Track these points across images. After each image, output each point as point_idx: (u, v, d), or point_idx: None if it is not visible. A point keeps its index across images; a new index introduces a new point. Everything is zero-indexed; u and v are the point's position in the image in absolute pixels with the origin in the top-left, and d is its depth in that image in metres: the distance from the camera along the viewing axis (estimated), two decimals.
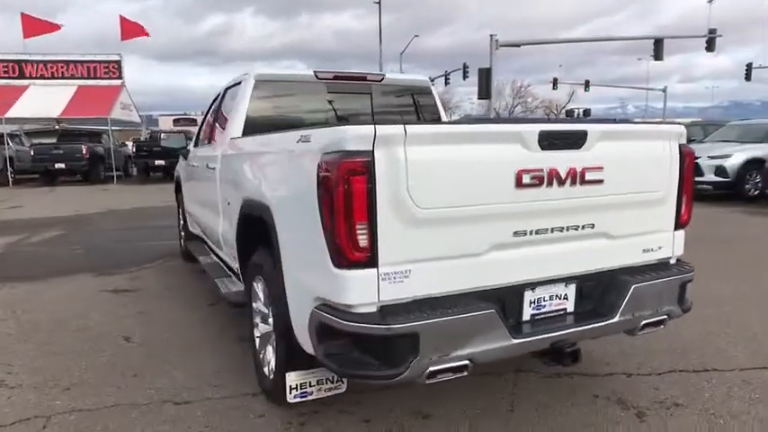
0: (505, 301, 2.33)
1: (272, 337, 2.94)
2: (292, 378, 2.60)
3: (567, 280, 2.48)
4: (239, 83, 4.16)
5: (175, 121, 57.34)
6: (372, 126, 2.00)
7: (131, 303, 4.88)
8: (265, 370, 3.04)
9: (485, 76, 25.61)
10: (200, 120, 5.83)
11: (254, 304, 3.21)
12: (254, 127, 3.89)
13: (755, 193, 10.91)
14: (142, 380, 3.33)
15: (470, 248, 2.22)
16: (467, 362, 2.15)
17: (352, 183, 1.99)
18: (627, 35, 29.78)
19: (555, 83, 45.27)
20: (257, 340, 3.20)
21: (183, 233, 6.57)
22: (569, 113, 49.81)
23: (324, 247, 2.11)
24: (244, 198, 3.11)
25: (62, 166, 17.94)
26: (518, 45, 26.97)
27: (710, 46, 26.52)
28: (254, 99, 3.91)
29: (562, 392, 3.05)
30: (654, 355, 3.51)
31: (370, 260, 2.05)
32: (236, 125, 3.89)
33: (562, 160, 2.31)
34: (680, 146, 2.70)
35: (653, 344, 3.60)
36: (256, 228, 3.06)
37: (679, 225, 2.77)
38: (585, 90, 46.45)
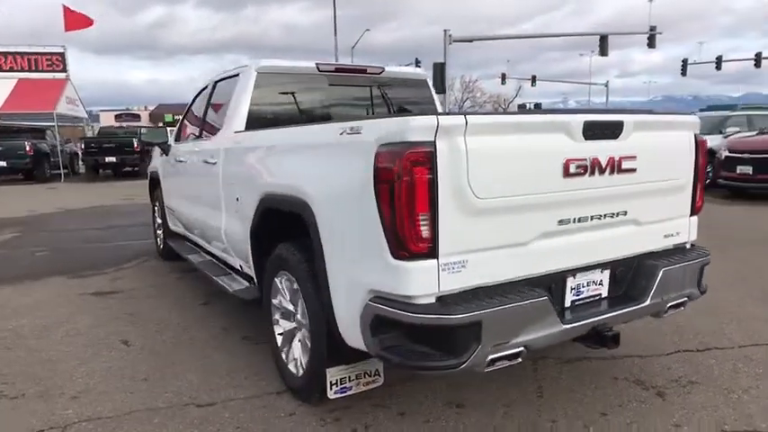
0: (551, 288, 2.38)
1: (301, 333, 2.90)
2: (333, 373, 2.56)
3: (602, 266, 2.55)
4: (236, 75, 4.04)
5: (117, 117, 55.15)
6: (435, 116, 1.99)
7: (118, 306, 4.68)
8: (291, 367, 2.99)
9: (439, 71, 25.87)
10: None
11: (273, 300, 3.14)
12: (257, 120, 3.80)
13: (706, 182, 11.52)
14: (154, 384, 3.20)
15: (520, 237, 2.25)
16: (522, 349, 2.19)
17: (414, 173, 1.98)
18: (567, 31, 30.68)
19: (503, 78, 46.15)
20: (278, 338, 3.13)
21: (160, 231, 6.34)
22: (522, 108, 51.01)
23: (380, 239, 2.09)
24: (264, 193, 3.03)
25: (3, 164, 16.93)
26: (470, 41, 27.37)
27: (651, 42, 27.70)
28: (257, 91, 3.81)
29: (584, 376, 3.14)
30: (655, 338, 3.66)
31: (431, 251, 2.05)
32: (238, 118, 3.78)
33: (602, 150, 2.37)
34: (695, 135, 2.82)
35: (650, 327, 3.75)
36: (281, 222, 3.00)
37: (694, 211, 2.90)
38: (532, 85, 47.70)
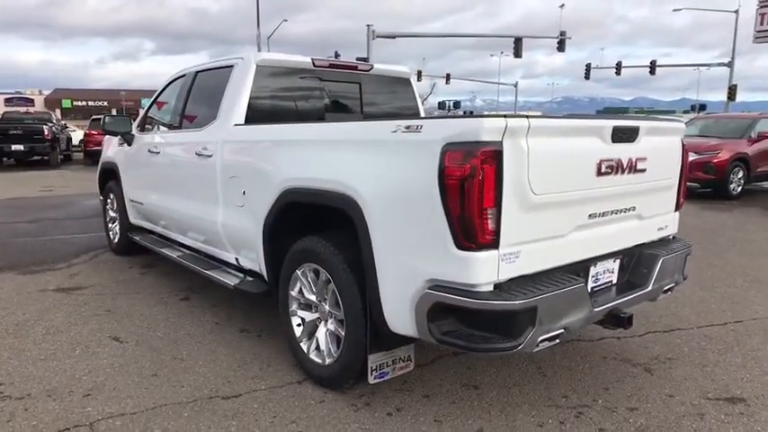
0: (579, 275, 2.63)
1: (328, 322, 2.97)
2: (373, 359, 2.68)
3: (614, 255, 2.86)
4: (229, 66, 3.99)
5: (8, 101, 50.42)
6: (504, 118, 2.16)
7: (90, 302, 4.45)
8: (314, 357, 3.05)
9: None
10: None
11: (291, 292, 3.18)
12: (256, 113, 3.79)
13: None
14: (166, 379, 3.14)
15: (560, 230, 2.49)
16: (562, 330, 2.42)
17: (485, 171, 2.15)
18: (481, 32, 32.02)
19: (419, 75, 47.18)
20: (296, 329, 3.18)
21: (113, 225, 6.05)
22: (441, 105, 52.37)
23: (443, 231, 2.24)
24: (286, 187, 3.06)
25: None
26: (393, 37, 27.84)
27: (561, 46, 29.49)
28: (255, 84, 3.79)
29: (575, 357, 3.46)
30: None
31: (494, 242, 2.22)
32: (237, 111, 3.74)
33: (624, 151, 2.66)
34: (681, 140, 3.20)
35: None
36: (306, 216, 3.06)
37: (677, 207, 3.29)
38: (447, 83, 49.11)
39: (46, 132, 16.53)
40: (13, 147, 16.18)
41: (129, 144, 5.31)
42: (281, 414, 2.78)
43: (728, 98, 29.46)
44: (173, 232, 4.77)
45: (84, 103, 57.72)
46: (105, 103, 56.99)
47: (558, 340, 2.45)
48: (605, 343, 3.69)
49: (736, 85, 29.28)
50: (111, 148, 5.92)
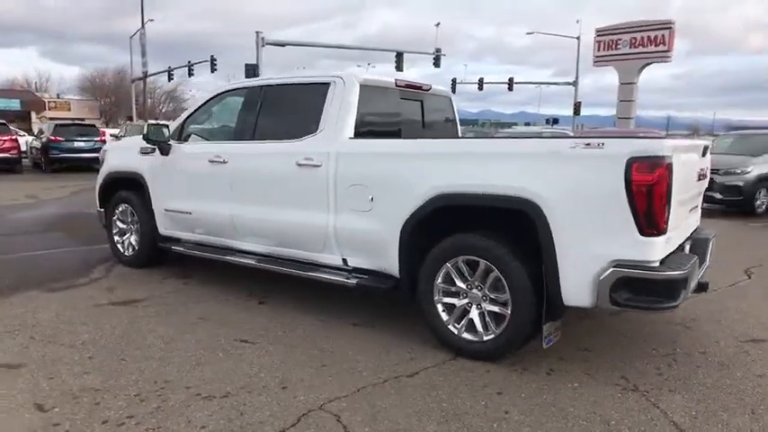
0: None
1: (482, 304, 3.57)
2: (547, 328, 3.36)
3: (689, 238, 3.85)
4: (323, 83, 4.36)
5: None
6: (672, 139, 3.01)
7: (169, 313, 4.49)
8: (466, 335, 3.62)
9: (252, 73, 25.91)
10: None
11: (436, 282, 3.72)
12: (360, 127, 4.24)
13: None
14: (338, 368, 3.47)
15: (680, 220, 3.40)
16: (689, 295, 3.32)
17: (665, 177, 2.97)
18: (336, 43, 33.39)
19: None
20: (442, 315, 3.72)
21: (123, 238, 5.91)
22: None
23: (628, 222, 3.01)
24: (439, 193, 3.59)
25: None
26: (283, 45, 27.97)
27: (437, 62, 31.81)
28: (360, 101, 4.25)
29: (643, 326, 4.42)
30: None
31: (665, 230, 3.05)
32: (347, 126, 4.16)
33: (704, 163, 3.67)
34: None
35: None
36: (457, 216, 3.63)
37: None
38: None
39: None
40: None
41: (166, 153, 5.31)
42: (470, 382, 3.32)
43: (574, 113, 34.00)
44: (232, 240, 4.94)
45: None
46: None
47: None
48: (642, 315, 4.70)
49: (580, 102, 33.97)
50: (127, 158, 5.79)
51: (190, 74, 37.45)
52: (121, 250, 5.98)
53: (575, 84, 35.12)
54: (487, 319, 3.58)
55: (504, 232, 3.51)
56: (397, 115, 4.77)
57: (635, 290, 3.10)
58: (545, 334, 3.37)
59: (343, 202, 4.13)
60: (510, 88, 37.91)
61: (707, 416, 2.97)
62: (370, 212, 3.99)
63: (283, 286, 5.07)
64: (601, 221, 3.10)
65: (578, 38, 34.78)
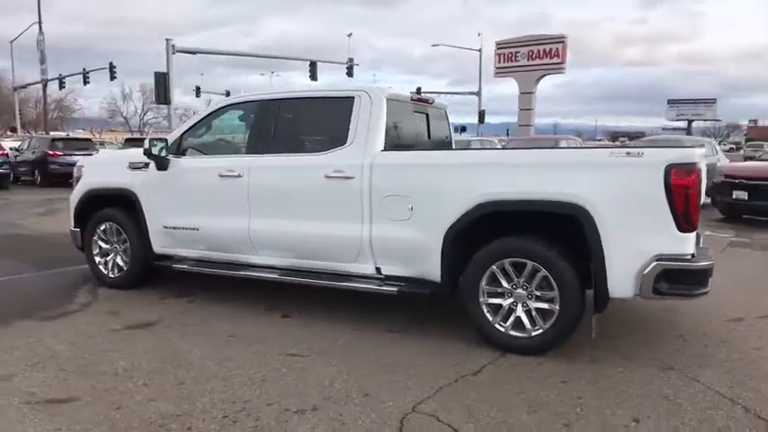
0: None
1: (526, 303, 3.86)
2: (594, 320, 3.72)
3: None
4: (348, 97, 4.47)
5: None
6: (701, 148, 3.49)
7: (194, 334, 4.36)
8: (513, 332, 3.89)
9: (162, 81, 24.85)
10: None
11: (481, 284, 3.96)
12: (387, 140, 4.40)
13: None
14: (407, 373, 3.60)
15: None
16: None
17: (698, 181, 3.43)
18: (234, 50, 33.27)
19: (198, 91, 45.85)
20: (487, 315, 3.97)
21: (106, 259, 5.58)
22: None
23: (668, 221, 3.45)
24: (485, 200, 3.84)
25: None
26: (194, 53, 27.01)
27: (350, 72, 32.21)
28: (387, 116, 4.41)
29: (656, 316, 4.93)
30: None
31: (697, 226, 3.53)
32: (378, 138, 4.31)
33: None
34: None
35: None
36: (500, 222, 3.90)
37: None
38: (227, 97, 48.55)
39: None
40: None
41: (164, 168, 5.11)
42: (531, 375, 3.59)
43: (479, 121, 35.83)
44: (246, 254, 4.87)
45: None
46: None
47: None
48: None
49: (484, 111, 35.87)
50: (112, 174, 5.49)
51: (85, 82, 35.06)
52: (105, 272, 5.63)
53: (478, 93, 37.06)
54: (534, 315, 3.88)
55: (545, 235, 3.83)
56: (412, 127, 4.97)
57: (673, 279, 3.54)
58: (593, 325, 3.73)
59: (378, 212, 4.26)
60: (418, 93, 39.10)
61: (740, 384, 3.46)
62: (408, 221, 4.15)
63: (300, 298, 5.07)
64: (643, 221, 3.52)
65: (480, 50, 36.77)
